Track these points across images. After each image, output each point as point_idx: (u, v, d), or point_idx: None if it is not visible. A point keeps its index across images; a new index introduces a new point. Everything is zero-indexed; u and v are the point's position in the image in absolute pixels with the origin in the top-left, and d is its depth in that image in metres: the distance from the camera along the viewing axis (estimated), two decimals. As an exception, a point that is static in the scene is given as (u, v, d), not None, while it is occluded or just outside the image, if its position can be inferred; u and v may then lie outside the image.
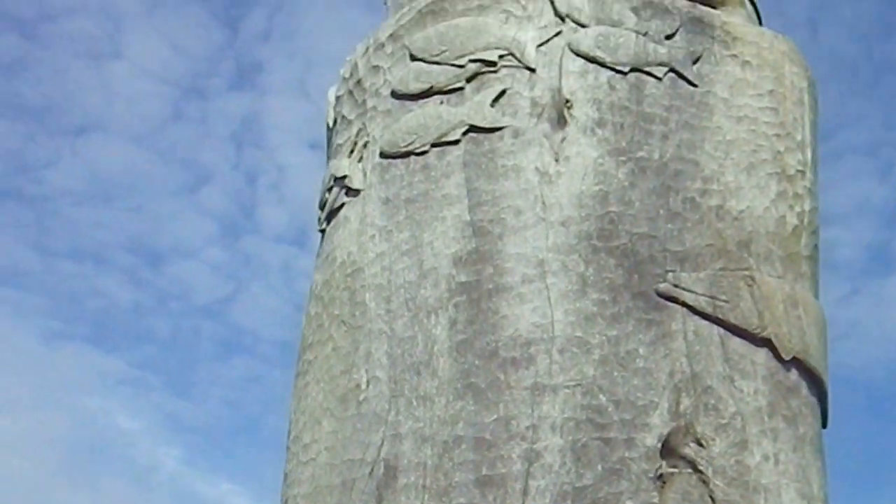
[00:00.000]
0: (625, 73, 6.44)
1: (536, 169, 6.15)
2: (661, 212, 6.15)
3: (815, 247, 6.84)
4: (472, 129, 6.34)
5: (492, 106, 6.37)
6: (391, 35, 6.82)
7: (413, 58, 6.65)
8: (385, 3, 7.66)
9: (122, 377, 31.83)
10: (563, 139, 6.24)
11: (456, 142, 6.34)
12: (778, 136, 6.71)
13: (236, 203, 31.93)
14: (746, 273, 6.20)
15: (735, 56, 6.76)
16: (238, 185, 31.57)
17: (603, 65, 6.44)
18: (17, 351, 29.87)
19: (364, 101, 6.84)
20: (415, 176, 6.37)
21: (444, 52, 6.57)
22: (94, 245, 31.45)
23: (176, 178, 31.09)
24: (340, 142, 6.96)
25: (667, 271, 6.03)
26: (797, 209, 6.65)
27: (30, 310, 30.67)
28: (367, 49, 6.96)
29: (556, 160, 6.18)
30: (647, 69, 6.48)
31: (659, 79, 6.48)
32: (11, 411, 29.96)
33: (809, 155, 6.93)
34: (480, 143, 6.30)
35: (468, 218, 6.12)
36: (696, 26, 6.73)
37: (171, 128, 30.81)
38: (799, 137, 6.85)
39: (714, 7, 7.17)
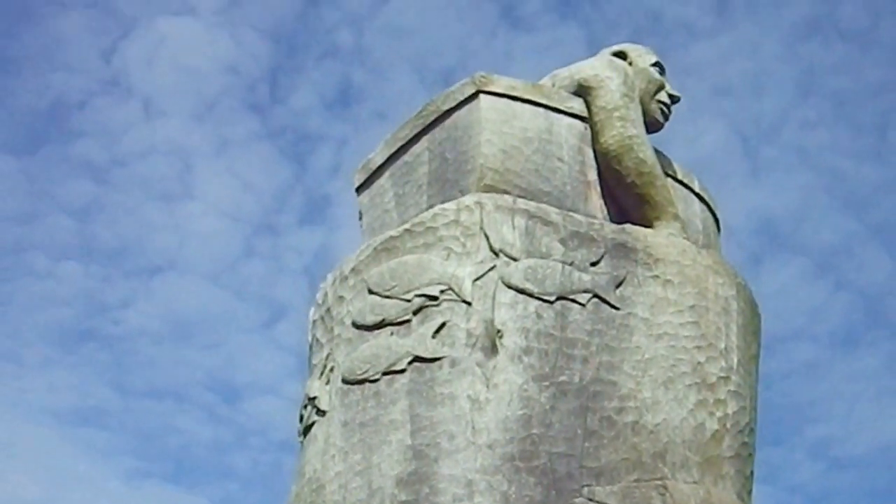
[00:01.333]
0: (551, 302, 7.26)
1: (468, 396, 7.00)
2: (579, 431, 6.94)
3: (745, 444, 7.51)
4: (417, 359, 7.21)
5: (433, 337, 7.24)
6: (353, 269, 7.80)
7: (370, 291, 7.59)
8: (360, 223, 8.68)
9: (204, 514, 32.07)
10: (494, 367, 7.08)
11: (402, 371, 7.23)
12: (699, 347, 7.45)
13: (313, 337, 32.77)
14: (660, 483, 6.93)
15: (657, 276, 7.55)
16: (313, 319, 32.46)
17: (531, 295, 7.27)
18: (99, 490, 30.40)
19: (332, 328, 7.80)
20: (368, 402, 7.28)
21: (394, 287, 7.50)
22: (173, 383, 32.31)
23: (251, 314, 32.06)
24: (315, 362, 7.91)
25: (583, 486, 6.80)
26: (718, 414, 7.36)
27: (111, 449, 31.49)
28: (335, 280, 7.94)
29: (487, 387, 7.02)
30: (571, 297, 7.31)
31: (583, 305, 7.30)
32: (96, 549, 30.42)
33: (735, 359, 7.64)
34: (423, 372, 7.18)
35: (410, 442, 6.98)
36: (619, 251, 7.55)
37: (244, 265, 31.78)
38: (722, 345, 7.58)
39: (649, 224, 8.00)
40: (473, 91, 8.04)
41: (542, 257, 7.40)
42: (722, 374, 7.50)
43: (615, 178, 8.10)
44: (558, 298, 7.28)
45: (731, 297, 7.81)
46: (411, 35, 32.44)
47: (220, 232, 31.50)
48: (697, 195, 8.80)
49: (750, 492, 7.59)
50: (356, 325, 7.57)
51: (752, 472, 7.70)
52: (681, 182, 8.70)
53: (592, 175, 8.16)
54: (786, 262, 31.51)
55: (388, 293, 7.50)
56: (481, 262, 7.39)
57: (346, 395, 7.41)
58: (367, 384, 7.33)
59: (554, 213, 7.58)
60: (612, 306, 7.35)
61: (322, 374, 7.72)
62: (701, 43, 31.32)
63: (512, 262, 7.36)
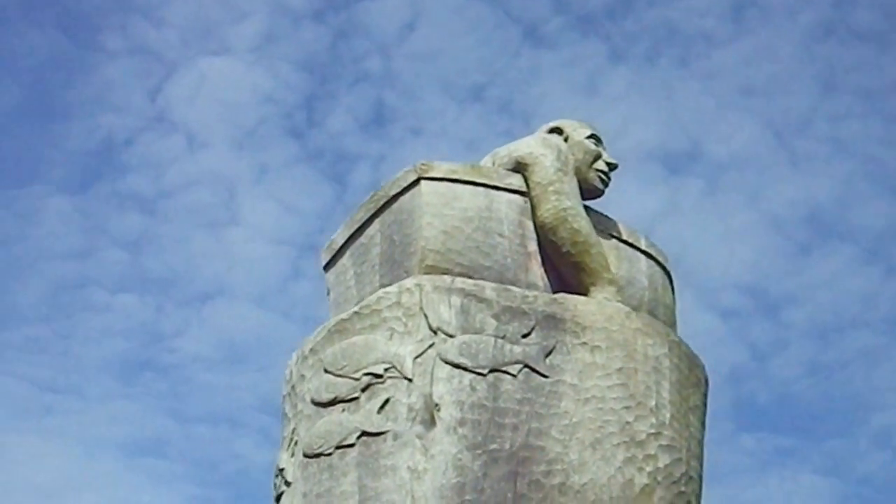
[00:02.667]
0: (485, 375, 7.93)
1: (408, 467, 7.70)
2: (510, 495, 7.61)
3: (681, 493, 8.13)
4: (364, 433, 7.93)
5: (378, 413, 7.95)
6: (311, 349, 8.55)
7: (325, 370, 8.33)
8: (328, 299, 9.43)
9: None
10: (432, 439, 7.77)
11: (352, 445, 7.94)
12: (627, 408, 8.07)
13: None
14: (585, 539, 7.57)
15: (585, 343, 8.19)
16: (363, 339, 33.24)
17: (466, 369, 7.94)
18: (164, 518, 31.36)
19: (296, 405, 8.55)
20: (323, 474, 8.01)
21: (345, 366, 8.23)
22: (229, 408, 33.35)
23: (301, 336, 32.74)
24: (284, 435, 8.67)
25: (512, 547, 7.47)
26: (648, 469, 7.97)
27: (172, 477, 32.38)
28: (298, 359, 8.70)
29: (425, 457, 7.71)
30: (503, 368, 7.97)
31: (514, 375, 7.96)
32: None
33: (668, 414, 8.24)
34: (370, 445, 7.89)
35: None
36: (549, 322, 8.20)
37: (292, 287, 32.65)
38: (653, 403, 8.19)
39: (585, 290, 8.64)
40: (415, 178, 8.74)
41: (476, 333, 8.06)
42: (652, 431, 8.10)
43: (553, 248, 8.73)
44: (491, 371, 7.94)
45: (662, 355, 8.41)
46: (438, 57, 33.40)
47: (266, 256, 32.57)
48: (644, 252, 9.38)
49: None
50: (314, 402, 8.30)
51: None
52: (626, 242, 9.30)
53: (533, 246, 8.80)
54: (834, 250, 31.70)
55: (340, 372, 8.22)
56: (421, 340, 8.07)
57: (306, 468, 8.15)
58: (323, 458, 8.05)
59: (489, 290, 8.23)
60: (542, 375, 8.00)
61: (288, 447, 8.48)
62: (721, 50, 31.74)
63: (449, 338, 8.02)
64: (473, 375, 7.91)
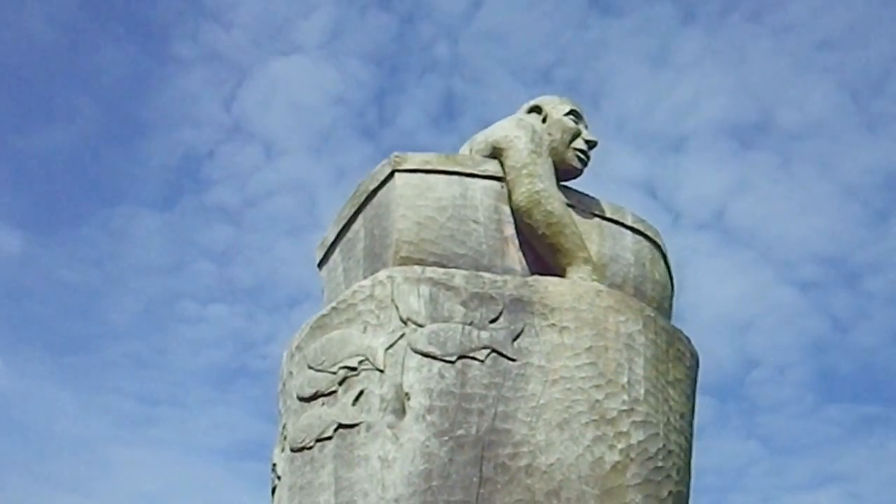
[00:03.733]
0: (453, 362, 8.09)
1: (379, 457, 7.92)
2: (475, 479, 7.77)
3: (658, 469, 8.15)
4: (341, 426, 8.18)
5: (353, 405, 8.20)
6: (297, 346, 8.84)
7: (308, 366, 8.62)
8: (322, 296, 9.70)
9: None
10: (402, 427, 7.99)
11: (330, 437, 8.21)
12: (597, 386, 8.14)
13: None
14: (553, 518, 7.69)
15: (553, 325, 8.28)
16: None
17: (435, 358, 8.11)
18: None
19: (286, 401, 8.86)
20: (305, 467, 8.31)
21: (324, 361, 8.50)
22: None
23: None
24: (278, 431, 9.01)
25: (477, 529, 7.64)
26: (620, 446, 8.03)
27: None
28: (287, 356, 9.01)
29: (395, 446, 7.93)
30: (471, 355, 8.12)
31: (482, 361, 8.10)
32: None
33: (642, 390, 8.29)
34: (345, 437, 8.15)
35: (333, 502, 7.99)
36: (517, 306, 8.32)
37: None
38: (625, 380, 8.24)
39: (562, 270, 8.73)
40: (390, 171, 8.93)
41: (444, 321, 8.23)
42: (624, 408, 8.15)
43: (528, 231, 8.83)
44: (459, 358, 8.10)
45: (635, 331, 8.44)
46: (504, 38, 33.31)
47: None
48: (630, 228, 9.39)
49: None
50: (299, 398, 8.60)
51: (677, 492, 8.31)
52: (610, 219, 9.33)
53: (510, 230, 8.91)
54: (914, 215, 30.67)
55: (320, 367, 8.50)
56: (392, 331, 8.27)
57: (292, 462, 8.46)
58: (305, 451, 8.34)
59: (459, 277, 8.38)
60: (510, 358, 8.12)
61: (279, 442, 8.81)
62: (796, 2, 30.76)
63: (418, 328, 8.21)
64: (442, 363, 8.07)
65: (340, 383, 8.34)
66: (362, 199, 9.18)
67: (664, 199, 33.67)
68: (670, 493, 8.25)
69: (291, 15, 33.94)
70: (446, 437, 7.85)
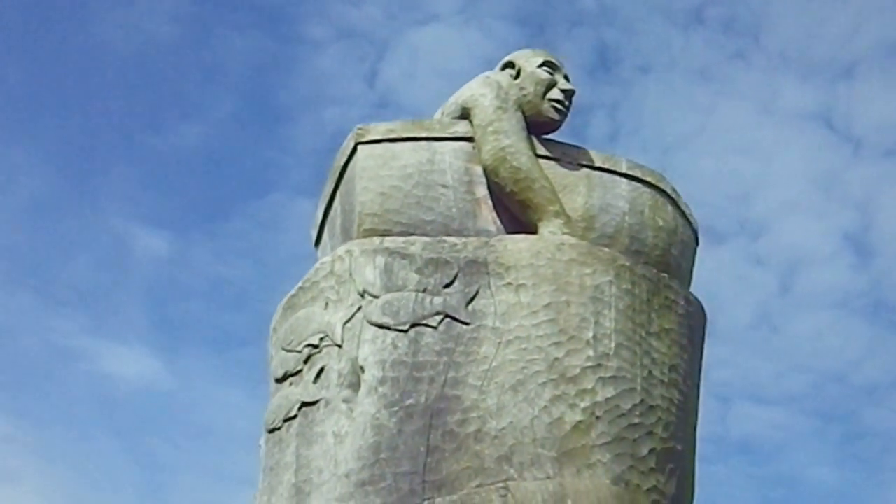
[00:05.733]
0: (406, 331, 7.87)
1: (333, 433, 7.78)
2: (422, 449, 7.51)
3: (635, 426, 7.72)
4: (304, 404, 8.09)
5: (314, 382, 8.09)
6: (273, 328, 8.81)
7: (282, 348, 8.58)
8: None
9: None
10: (357, 401, 7.83)
11: (295, 416, 8.13)
12: (557, 344, 7.75)
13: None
14: (502, 485, 7.36)
15: (510, 284, 7.94)
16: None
17: (388, 328, 7.91)
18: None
19: (271, 384, 8.85)
20: (275, 447, 8.25)
21: (292, 340, 8.43)
22: None
23: None
24: (267, 414, 8.99)
25: (424, 500, 7.39)
26: (583, 405, 7.63)
27: None
28: (270, 339, 9.00)
29: (349, 421, 7.77)
30: (423, 322, 7.87)
31: (434, 327, 7.85)
32: None
33: (613, 344, 7.85)
34: (307, 415, 8.04)
35: (294, 480, 7.89)
36: (471, 268, 8.02)
37: None
38: (590, 335, 7.82)
39: (534, 227, 8.38)
40: (353, 144, 8.79)
41: (398, 290, 8.02)
42: (589, 364, 7.73)
43: (498, 189, 8.52)
44: (412, 326, 7.87)
45: (604, 283, 8.00)
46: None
47: None
48: (626, 175, 8.92)
49: (656, 468, 7.70)
50: (275, 380, 8.57)
51: (664, 449, 7.82)
52: (600, 168, 8.89)
53: (482, 191, 8.62)
54: None
55: (289, 348, 8.43)
56: (350, 305, 8.13)
57: (267, 443, 8.42)
58: (276, 432, 8.28)
59: (418, 245, 8.14)
60: (463, 322, 7.83)
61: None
62: None
63: (374, 300, 8.04)
64: (396, 333, 7.87)
65: (305, 361, 8.25)
66: (336, 175, 9.07)
67: (841, 130, 31.88)
68: (652, 450, 7.76)
69: (425, -18, 33.70)
70: (396, 408, 7.63)
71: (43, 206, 33.32)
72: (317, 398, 8.00)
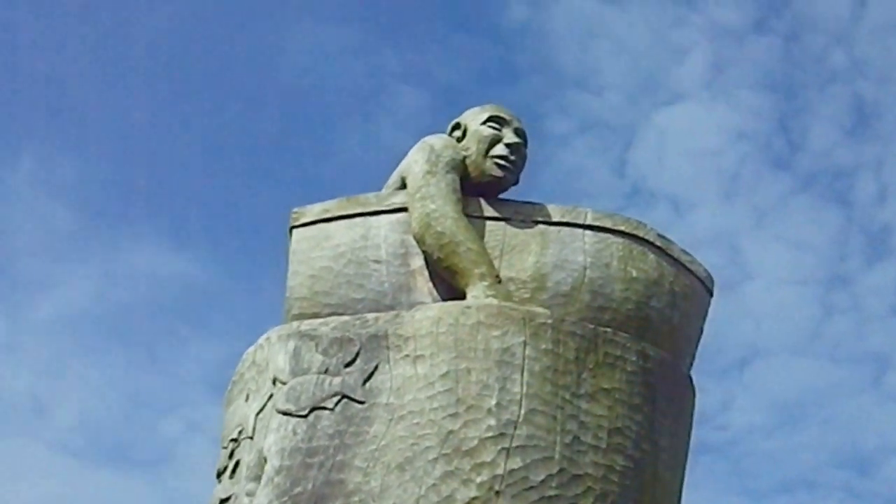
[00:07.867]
0: (305, 416, 7.40)
1: (233, 529, 7.37)
2: None
3: (550, 498, 6.91)
4: (221, 501, 7.72)
5: (231, 478, 7.72)
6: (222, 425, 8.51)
7: (222, 446, 8.25)
8: None
9: None
10: (258, 494, 7.37)
11: None
12: (452, 415, 7.05)
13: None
14: (382, 576, 6.66)
15: (407, 356, 7.34)
16: None
17: (291, 415, 7.46)
18: None
19: (224, 485, 8.53)
20: None
21: (224, 437, 8.12)
22: (801, 470, 31.23)
23: (853, 375, 30.22)
24: None
25: None
26: (479, 479, 6.86)
27: None
28: (228, 440, 8.70)
29: (249, 516, 7.32)
30: (322, 405, 7.37)
31: (331, 410, 7.33)
32: None
33: (522, 411, 7.08)
34: None
35: None
36: (371, 343, 7.48)
37: (826, 326, 31.60)
38: (492, 403, 7.08)
39: (463, 293, 7.76)
40: (289, 228, 8.52)
41: (303, 374, 7.58)
42: (489, 435, 6.98)
43: (428, 258, 7.99)
44: (311, 410, 7.39)
45: (515, 344, 7.26)
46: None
47: (790, 301, 30.67)
48: (589, 227, 8.15)
49: None
50: (217, 476, 8.24)
51: None
52: (558, 223, 8.18)
53: (417, 262, 8.09)
54: None
55: (223, 444, 8.14)
56: (264, 395, 7.76)
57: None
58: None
59: (329, 325, 7.71)
60: (358, 402, 7.28)
61: None
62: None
63: (282, 386, 7.63)
64: (297, 419, 7.42)
65: (230, 457, 7.91)
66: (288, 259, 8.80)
67: None
68: None
69: (663, 65, 33.05)
70: (285, 498, 7.12)
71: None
72: (229, 494, 7.63)
